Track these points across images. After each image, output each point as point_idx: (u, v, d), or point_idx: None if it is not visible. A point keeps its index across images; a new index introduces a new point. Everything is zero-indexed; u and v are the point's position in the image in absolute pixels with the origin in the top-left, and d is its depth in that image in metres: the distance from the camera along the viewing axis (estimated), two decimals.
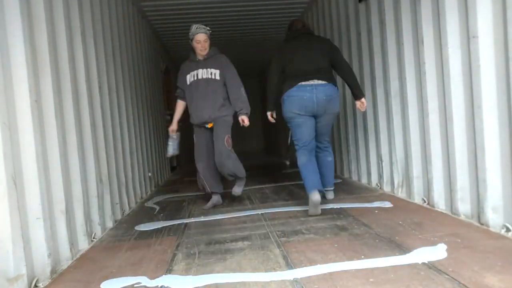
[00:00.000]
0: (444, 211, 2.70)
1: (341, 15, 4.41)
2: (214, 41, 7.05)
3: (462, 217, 2.49)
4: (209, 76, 3.45)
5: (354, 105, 4.20)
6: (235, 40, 7.20)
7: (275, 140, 9.37)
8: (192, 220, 3.08)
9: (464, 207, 2.50)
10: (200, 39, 3.44)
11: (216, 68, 3.46)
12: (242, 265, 1.97)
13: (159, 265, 2.08)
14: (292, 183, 4.56)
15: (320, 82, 3.00)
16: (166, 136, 6.57)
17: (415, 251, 1.96)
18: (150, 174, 4.86)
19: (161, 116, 6.31)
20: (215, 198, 3.57)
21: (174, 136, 3.80)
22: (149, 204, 3.97)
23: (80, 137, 2.65)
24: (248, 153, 11.29)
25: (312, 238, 2.32)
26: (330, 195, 3.38)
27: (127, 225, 3.09)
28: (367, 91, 3.82)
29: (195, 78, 3.47)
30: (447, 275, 1.65)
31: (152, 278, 1.89)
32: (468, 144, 2.44)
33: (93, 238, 2.68)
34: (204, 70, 3.47)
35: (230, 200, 3.77)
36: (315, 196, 2.82)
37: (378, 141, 3.69)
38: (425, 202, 2.94)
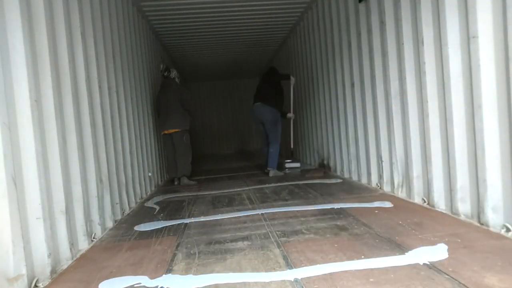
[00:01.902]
0: (444, 211, 2.70)
1: (341, 15, 4.41)
2: (214, 41, 7.11)
3: (462, 217, 2.49)
4: None
5: (354, 106, 4.22)
6: (235, 40, 7.20)
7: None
8: (192, 220, 3.08)
9: (464, 207, 2.50)
10: None
11: None
12: (242, 265, 1.97)
13: (159, 265, 2.08)
14: (292, 183, 4.56)
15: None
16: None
17: (415, 251, 1.96)
18: (150, 174, 4.86)
19: None
20: None
21: None
22: (149, 204, 3.97)
23: (80, 137, 2.65)
24: (248, 152, 11.30)
25: (312, 238, 2.32)
26: (270, 173, 5.39)
27: (127, 225, 3.09)
28: (367, 91, 3.83)
29: None
30: (447, 275, 1.65)
31: (152, 278, 1.90)
32: (468, 144, 2.44)
33: (93, 238, 2.68)
34: None
35: (230, 200, 3.77)
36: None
37: (378, 141, 3.69)
38: (425, 202, 2.94)
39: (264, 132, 5.60)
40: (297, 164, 6.10)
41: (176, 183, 5.31)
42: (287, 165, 6.02)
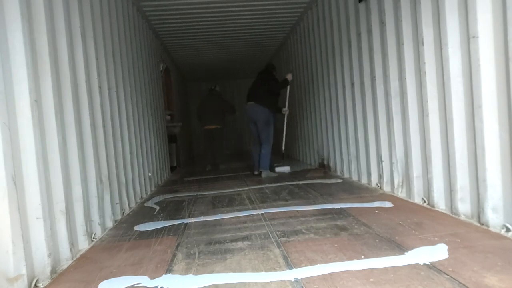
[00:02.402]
0: (444, 211, 2.71)
1: (341, 15, 4.41)
2: (214, 41, 7.12)
3: (462, 217, 2.50)
4: None
5: (354, 106, 4.22)
6: (235, 40, 7.20)
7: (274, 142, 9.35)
8: (192, 220, 3.08)
9: (464, 207, 2.50)
10: None
11: None
12: (242, 265, 1.97)
13: (159, 265, 2.08)
14: (292, 183, 4.56)
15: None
16: (166, 135, 6.63)
17: (415, 251, 1.96)
18: (150, 174, 4.86)
19: (161, 116, 6.30)
20: None
21: None
22: (149, 204, 3.97)
23: (80, 137, 2.65)
24: (247, 152, 11.29)
25: (312, 238, 2.32)
26: (263, 174, 5.35)
27: (127, 225, 3.09)
28: (367, 91, 3.83)
29: None
30: (447, 275, 1.65)
31: (152, 278, 1.90)
32: (468, 144, 2.44)
33: (93, 238, 2.68)
34: None
35: (230, 200, 3.77)
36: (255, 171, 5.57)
37: (378, 141, 3.69)
38: (425, 202, 2.95)
39: (256, 132, 5.56)
40: (287, 168, 5.86)
41: (208, 169, 7.07)
42: (276, 170, 5.79)
